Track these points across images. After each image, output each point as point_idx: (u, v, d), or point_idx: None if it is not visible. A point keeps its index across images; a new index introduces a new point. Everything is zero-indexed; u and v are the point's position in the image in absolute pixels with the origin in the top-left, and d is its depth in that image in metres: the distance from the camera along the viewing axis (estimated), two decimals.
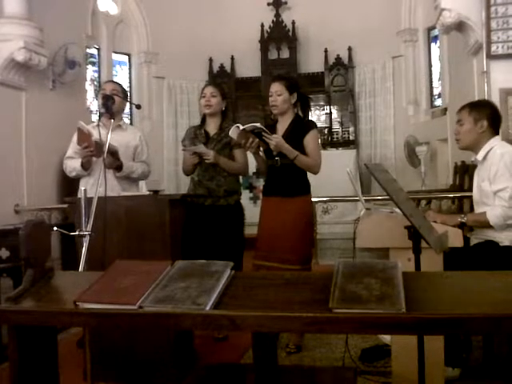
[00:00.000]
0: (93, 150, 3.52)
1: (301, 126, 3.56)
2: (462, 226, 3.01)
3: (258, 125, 3.36)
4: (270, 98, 3.57)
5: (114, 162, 3.64)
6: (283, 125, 3.58)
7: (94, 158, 3.65)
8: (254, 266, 3.52)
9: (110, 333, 3.00)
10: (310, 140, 3.51)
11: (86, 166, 3.71)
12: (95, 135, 3.46)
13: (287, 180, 3.52)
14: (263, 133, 3.34)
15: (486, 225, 2.95)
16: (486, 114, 3.07)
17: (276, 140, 3.36)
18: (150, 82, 10.03)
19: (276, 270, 3.34)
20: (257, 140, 3.38)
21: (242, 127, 3.34)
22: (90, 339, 2.55)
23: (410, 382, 2.39)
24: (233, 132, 3.38)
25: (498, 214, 2.90)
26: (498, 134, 3.11)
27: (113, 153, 3.57)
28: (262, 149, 3.51)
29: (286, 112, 3.58)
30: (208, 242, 3.64)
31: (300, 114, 3.70)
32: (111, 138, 2.99)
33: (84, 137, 3.55)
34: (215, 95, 3.86)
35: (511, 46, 5.15)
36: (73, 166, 3.80)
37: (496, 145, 3.02)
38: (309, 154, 3.49)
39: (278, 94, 3.54)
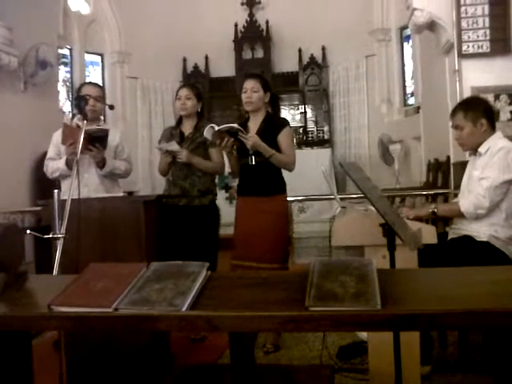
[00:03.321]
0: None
1: (274, 124, 3.56)
2: (435, 220, 3.04)
3: (235, 125, 3.37)
4: (245, 95, 3.56)
5: (99, 152, 3.58)
6: (255, 122, 3.58)
7: (79, 156, 3.59)
8: (232, 266, 3.51)
9: (85, 336, 2.97)
10: (284, 137, 3.52)
11: (72, 164, 3.65)
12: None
13: (263, 179, 3.52)
14: (239, 133, 3.34)
15: (457, 213, 2.98)
16: (482, 112, 3.06)
17: (253, 139, 3.36)
18: (124, 82, 9.93)
19: (255, 269, 3.34)
20: (232, 139, 3.38)
21: (217, 128, 3.34)
22: (66, 343, 2.52)
23: (386, 378, 2.41)
24: (207, 132, 3.38)
25: (470, 201, 2.93)
26: (494, 127, 3.12)
27: (100, 138, 3.51)
28: (235, 147, 3.51)
29: (258, 110, 3.58)
30: (182, 242, 3.62)
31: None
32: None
33: (70, 133, 3.49)
34: (190, 97, 3.86)
35: (481, 46, 5.24)
36: (55, 166, 3.75)
37: (499, 139, 3.04)
38: (283, 152, 3.49)
39: (253, 91, 3.54)
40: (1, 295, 1.71)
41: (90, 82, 4.30)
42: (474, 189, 2.97)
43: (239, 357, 1.83)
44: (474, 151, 3.13)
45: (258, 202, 3.51)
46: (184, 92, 3.88)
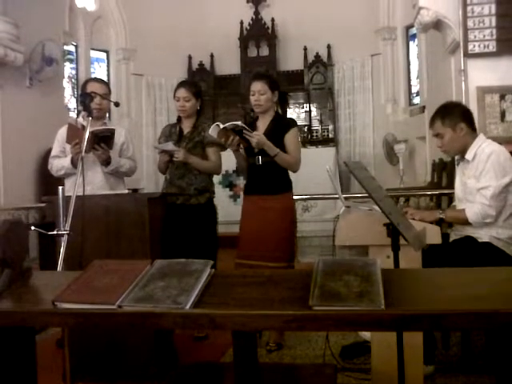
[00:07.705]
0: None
1: (281, 124, 3.57)
2: (440, 221, 3.04)
3: (239, 123, 3.36)
4: (253, 97, 3.55)
5: (105, 152, 3.59)
6: (264, 122, 3.59)
7: (85, 154, 3.59)
8: (236, 264, 3.51)
9: (89, 333, 2.98)
10: (291, 138, 3.53)
11: (77, 162, 3.65)
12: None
13: (269, 178, 3.52)
14: (244, 130, 3.34)
15: (464, 222, 2.98)
16: (459, 117, 3.06)
17: (257, 137, 3.36)
18: (129, 79, 9.95)
19: (262, 268, 3.31)
20: (237, 138, 3.37)
21: (222, 126, 3.33)
22: (69, 339, 2.53)
23: (389, 378, 2.41)
24: (213, 130, 3.37)
25: (477, 211, 2.92)
26: (475, 129, 3.12)
27: (106, 137, 3.52)
28: (242, 146, 3.51)
29: (267, 110, 3.58)
30: (180, 241, 3.61)
31: (279, 111, 3.71)
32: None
33: (75, 133, 3.50)
34: (188, 99, 3.80)
35: (487, 45, 5.22)
36: (60, 164, 3.74)
37: (483, 143, 3.03)
38: (289, 152, 3.50)
39: (261, 94, 3.53)
40: (5, 291, 1.72)
41: (95, 78, 4.29)
42: (475, 199, 2.97)
43: (242, 355, 1.83)
44: (462, 157, 3.12)
45: (264, 200, 3.51)
46: (182, 94, 3.81)
